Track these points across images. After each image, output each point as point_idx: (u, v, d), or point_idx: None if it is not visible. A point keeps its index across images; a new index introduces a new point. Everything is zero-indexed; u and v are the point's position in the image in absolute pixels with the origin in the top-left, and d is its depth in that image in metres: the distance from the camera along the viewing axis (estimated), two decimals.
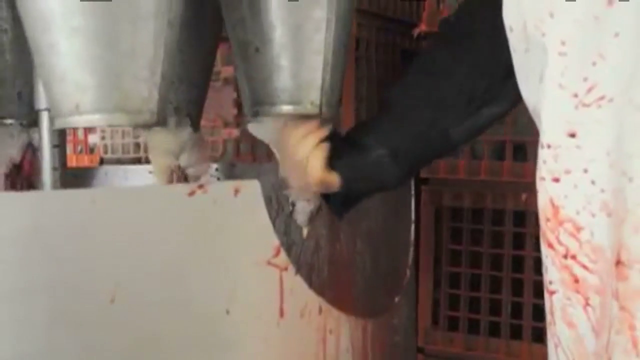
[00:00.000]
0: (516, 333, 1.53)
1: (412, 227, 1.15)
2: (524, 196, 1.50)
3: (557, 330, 0.72)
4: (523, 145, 1.51)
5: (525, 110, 1.53)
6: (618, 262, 0.67)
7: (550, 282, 0.72)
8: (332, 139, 0.86)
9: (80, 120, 0.65)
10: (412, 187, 1.15)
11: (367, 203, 1.03)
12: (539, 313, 1.50)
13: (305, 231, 0.84)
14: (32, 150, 0.97)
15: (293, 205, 0.85)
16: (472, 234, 1.59)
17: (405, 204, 1.14)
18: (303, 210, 0.86)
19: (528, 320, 1.51)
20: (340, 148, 0.87)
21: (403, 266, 1.10)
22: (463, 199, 1.58)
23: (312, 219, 0.87)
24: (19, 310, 0.58)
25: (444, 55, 0.87)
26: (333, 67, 0.79)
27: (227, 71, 1.71)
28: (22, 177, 0.97)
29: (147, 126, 0.70)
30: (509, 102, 0.87)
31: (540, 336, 1.50)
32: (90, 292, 0.61)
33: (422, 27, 1.56)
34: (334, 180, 0.85)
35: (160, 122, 0.68)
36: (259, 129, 0.87)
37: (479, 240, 1.57)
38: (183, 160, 0.88)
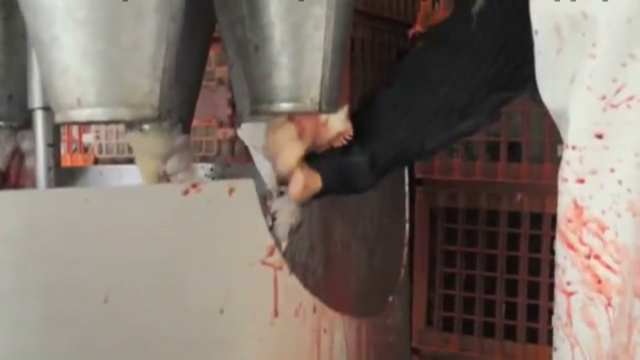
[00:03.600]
0: (510, 333, 1.54)
1: (407, 227, 1.14)
2: (518, 197, 1.51)
3: (575, 330, 0.72)
4: (518, 146, 1.51)
5: (518, 110, 1.54)
6: None
7: (569, 283, 0.72)
8: None
9: (82, 114, 0.65)
10: (407, 188, 1.15)
11: (362, 203, 1.03)
12: (533, 313, 1.50)
13: (284, 245, 0.83)
14: (19, 157, 0.96)
15: (274, 219, 0.84)
16: (466, 234, 1.59)
17: (400, 204, 1.14)
18: (283, 223, 0.85)
19: (522, 321, 1.52)
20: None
21: (397, 266, 1.10)
22: (457, 200, 1.58)
23: (292, 233, 0.86)
24: (12, 309, 0.58)
25: (431, 66, 0.87)
26: (332, 64, 0.79)
27: (221, 71, 1.71)
28: (9, 186, 0.96)
29: (149, 121, 0.70)
30: (486, 117, 0.87)
31: (534, 337, 1.51)
32: (84, 292, 0.61)
33: (417, 28, 1.56)
34: (316, 181, 0.83)
35: (162, 117, 0.68)
36: (247, 134, 0.87)
37: (474, 240, 1.58)
38: (170, 167, 0.87)
